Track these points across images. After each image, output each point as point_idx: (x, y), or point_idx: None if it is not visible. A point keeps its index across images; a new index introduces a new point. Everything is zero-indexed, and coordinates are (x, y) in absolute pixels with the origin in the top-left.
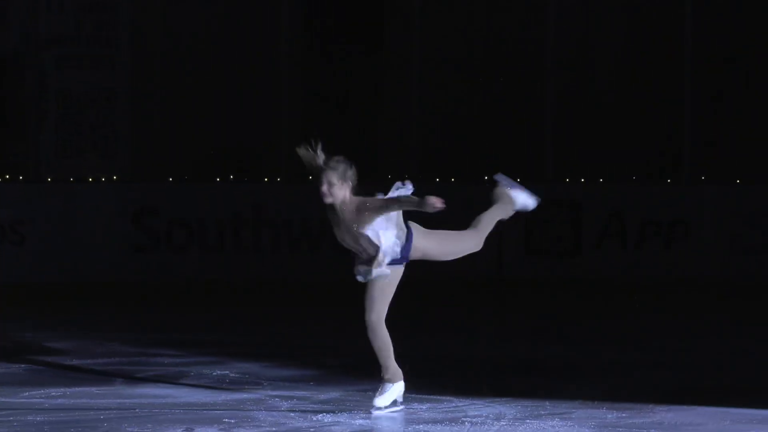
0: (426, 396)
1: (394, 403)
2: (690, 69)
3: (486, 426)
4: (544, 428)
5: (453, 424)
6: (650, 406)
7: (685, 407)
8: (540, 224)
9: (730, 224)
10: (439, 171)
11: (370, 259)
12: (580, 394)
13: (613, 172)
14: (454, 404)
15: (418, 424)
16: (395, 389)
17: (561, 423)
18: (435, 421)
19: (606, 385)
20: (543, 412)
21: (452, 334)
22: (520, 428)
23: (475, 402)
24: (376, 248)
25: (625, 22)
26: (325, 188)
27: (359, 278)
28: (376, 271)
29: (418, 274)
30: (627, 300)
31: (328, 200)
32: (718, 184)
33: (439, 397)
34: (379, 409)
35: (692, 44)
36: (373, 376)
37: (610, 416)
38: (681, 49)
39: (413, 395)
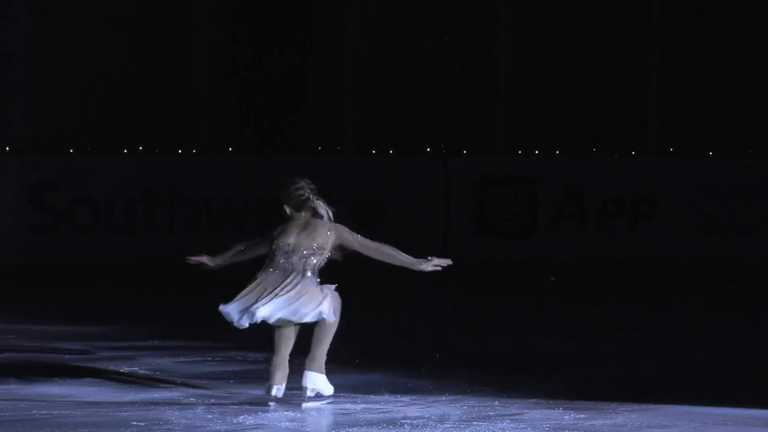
0: (360, 395)
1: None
2: (658, 31)
3: (428, 429)
4: (490, 429)
5: (391, 426)
6: (612, 405)
7: (650, 406)
8: (491, 202)
9: (701, 202)
10: (378, 144)
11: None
12: (534, 392)
13: (572, 145)
14: (391, 404)
15: (352, 426)
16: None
17: (512, 425)
18: (371, 423)
19: (562, 382)
20: (492, 413)
21: (389, 323)
22: (466, 429)
23: (415, 401)
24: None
25: None
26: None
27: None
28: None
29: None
30: (576, 284)
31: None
32: (688, 158)
33: (375, 397)
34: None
35: (659, 4)
36: (299, 374)
37: (567, 417)
38: (649, 9)
39: (346, 395)
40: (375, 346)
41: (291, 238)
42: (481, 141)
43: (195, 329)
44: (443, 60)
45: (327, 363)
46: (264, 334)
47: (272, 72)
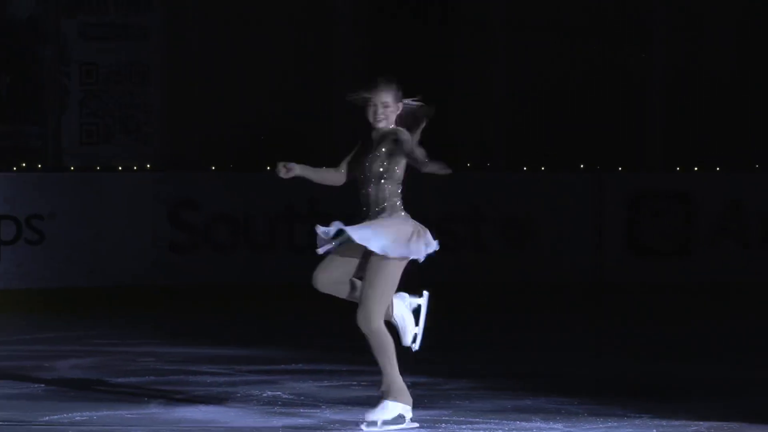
0: (510, 422)
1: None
2: None
3: None
4: None
5: None
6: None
7: None
8: (645, 219)
9: None
10: (527, 158)
11: (369, 207)
12: (693, 418)
13: (731, 159)
14: (545, 431)
15: None
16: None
17: None
18: None
19: (722, 408)
20: None
21: (545, 346)
22: None
23: (569, 428)
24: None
25: None
26: (379, 109)
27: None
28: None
29: (506, 277)
30: (742, 305)
31: (381, 124)
32: None
33: (525, 423)
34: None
35: None
36: (451, 398)
37: None
38: None
39: (496, 420)
40: (525, 370)
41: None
42: (634, 155)
43: (339, 352)
44: (594, 69)
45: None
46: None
47: (413, 84)
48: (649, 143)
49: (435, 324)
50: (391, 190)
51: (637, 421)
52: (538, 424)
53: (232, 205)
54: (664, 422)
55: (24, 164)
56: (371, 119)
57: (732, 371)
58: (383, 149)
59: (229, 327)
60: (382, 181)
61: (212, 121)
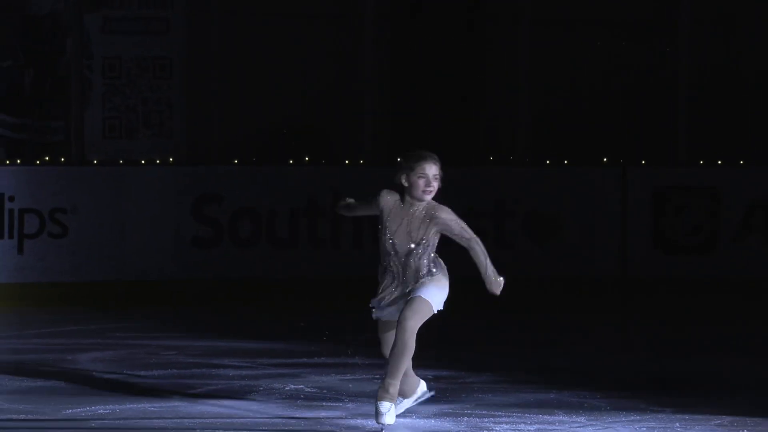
0: (533, 415)
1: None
2: None
3: None
4: None
5: None
6: None
7: None
8: (671, 214)
9: None
10: (552, 153)
11: (407, 280)
12: (716, 413)
13: (758, 154)
14: (567, 425)
15: None
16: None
17: None
18: None
19: (747, 404)
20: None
21: (568, 342)
22: None
23: (592, 422)
24: (424, 274)
25: None
26: (429, 185)
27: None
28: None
29: (531, 273)
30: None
31: (427, 197)
32: None
33: (548, 417)
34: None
35: None
36: (474, 392)
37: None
38: None
39: (519, 414)
40: (548, 364)
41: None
42: (660, 149)
43: (360, 346)
44: (619, 63)
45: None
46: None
47: (439, 79)
48: (675, 138)
49: (459, 319)
50: (430, 256)
51: (660, 415)
52: (561, 417)
53: (255, 200)
54: (687, 416)
55: (47, 158)
56: (418, 192)
57: (755, 367)
58: (429, 226)
59: (251, 321)
60: (420, 250)
61: (234, 115)
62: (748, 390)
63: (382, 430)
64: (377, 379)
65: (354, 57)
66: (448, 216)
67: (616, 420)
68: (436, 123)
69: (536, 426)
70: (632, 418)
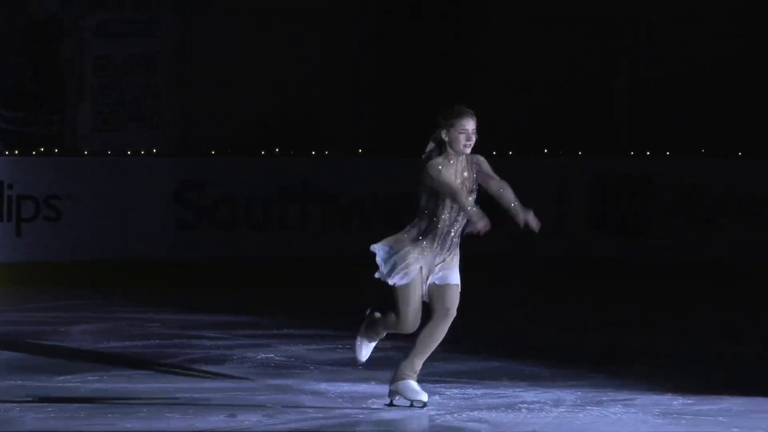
0: (481, 381)
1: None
2: None
3: (544, 412)
4: (605, 415)
5: (509, 410)
6: (718, 392)
7: (758, 399)
8: (609, 200)
9: None
10: (508, 144)
11: (446, 241)
12: (645, 381)
13: (689, 145)
14: (510, 390)
15: (473, 410)
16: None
17: (623, 410)
18: (491, 407)
19: (674, 374)
20: (605, 399)
21: (514, 318)
22: (580, 415)
23: (533, 387)
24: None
25: None
26: (469, 139)
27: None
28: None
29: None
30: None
31: (469, 150)
32: None
33: (494, 383)
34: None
35: None
36: (428, 360)
37: (675, 403)
38: None
39: (468, 380)
40: (495, 338)
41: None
42: (601, 141)
43: (326, 319)
44: (572, 57)
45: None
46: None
47: (406, 72)
48: (616, 130)
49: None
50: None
51: (594, 381)
52: (505, 383)
53: (234, 187)
54: (618, 381)
55: (43, 149)
56: (459, 146)
57: (682, 345)
58: (472, 172)
59: (228, 297)
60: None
61: (218, 109)
62: (673, 363)
63: (424, 405)
64: (339, 348)
65: (337, 53)
66: (483, 158)
67: (554, 385)
68: (398, 115)
69: (482, 391)
70: (570, 383)
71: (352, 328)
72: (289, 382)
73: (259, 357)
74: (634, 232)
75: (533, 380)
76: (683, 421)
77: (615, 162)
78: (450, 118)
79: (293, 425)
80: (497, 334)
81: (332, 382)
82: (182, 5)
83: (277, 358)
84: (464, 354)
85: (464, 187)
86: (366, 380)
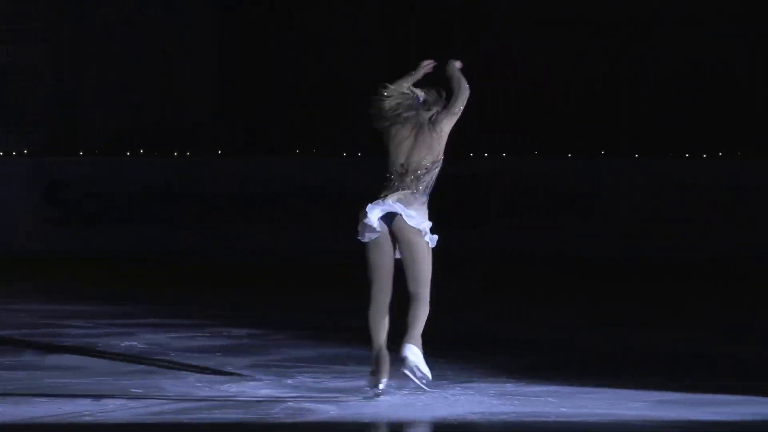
0: (330, 365)
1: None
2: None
3: (389, 395)
4: (445, 397)
5: (357, 393)
6: (551, 375)
7: (581, 388)
8: (449, 197)
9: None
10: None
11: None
12: (481, 365)
13: (522, 146)
14: (358, 374)
15: (322, 392)
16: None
17: (461, 391)
18: (339, 390)
19: (508, 357)
20: (445, 382)
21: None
22: (422, 397)
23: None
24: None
25: None
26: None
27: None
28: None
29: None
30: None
31: (422, 97)
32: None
33: (342, 367)
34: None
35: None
36: (277, 348)
37: (508, 385)
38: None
39: (318, 365)
40: (342, 325)
41: (402, 157)
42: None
43: (187, 309)
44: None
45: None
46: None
47: (264, 74)
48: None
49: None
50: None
51: (433, 365)
52: (353, 367)
53: (99, 185)
54: (457, 366)
55: None
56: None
57: (512, 332)
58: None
59: (94, 288)
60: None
61: (86, 110)
62: (504, 350)
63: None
64: (199, 336)
65: (193, 55)
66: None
67: (398, 370)
68: (259, 117)
69: (331, 375)
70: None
71: (210, 317)
72: (152, 368)
73: (123, 344)
74: (472, 226)
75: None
76: (516, 401)
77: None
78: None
79: (155, 408)
80: (341, 322)
81: (192, 368)
82: (51, 17)
83: (140, 346)
84: (313, 340)
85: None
86: (222, 365)
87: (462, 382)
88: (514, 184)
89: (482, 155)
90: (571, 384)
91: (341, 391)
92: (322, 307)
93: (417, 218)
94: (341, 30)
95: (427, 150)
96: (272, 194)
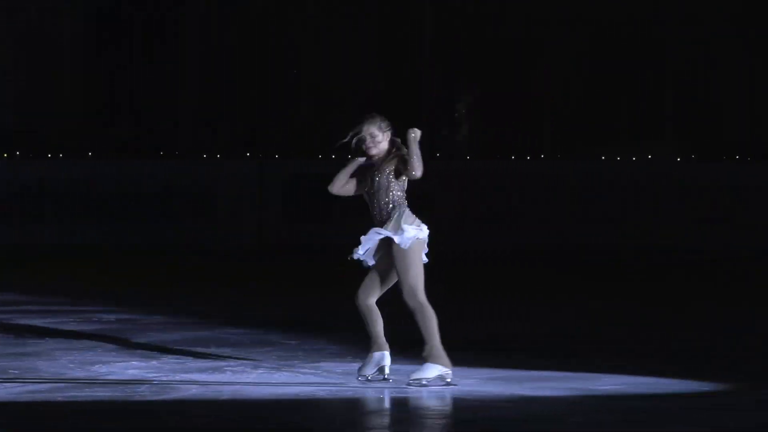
0: (192, 348)
1: (381, 370)
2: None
3: (245, 374)
4: (296, 375)
5: (216, 372)
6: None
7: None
8: (298, 195)
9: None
10: (207, 147)
11: (380, 219)
12: (330, 346)
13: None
14: (217, 356)
15: (185, 372)
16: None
17: (311, 371)
18: (200, 370)
19: (357, 340)
20: (296, 362)
21: (222, 290)
22: (275, 375)
23: (236, 353)
24: (392, 208)
25: None
26: (368, 141)
27: (354, 255)
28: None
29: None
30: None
31: (373, 152)
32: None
33: (203, 350)
34: (365, 377)
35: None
36: (144, 333)
37: (355, 365)
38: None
39: (180, 347)
40: (203, 310)
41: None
42: (293, 144)
43: (59, 296)
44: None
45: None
46: None
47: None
48: (305, 134)
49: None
50: (396, 195)
51: (286, 347)
52: (212, 349)
53: None
54: (307, 347)
55: None
56: (364, 148)
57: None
58: (387, 168)
59: None
60: (391, 191)
61: None
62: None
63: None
64: (71, 321)
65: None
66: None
67: (254, 351)
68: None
69: (194, 357)
70: (266, 349)
71: (81, 304)
72: (28, 350)
73: None
74: (318, 221)
75: (237, 347)
76: (360, 378)
77: (306, 163)
78: (357, 127)
79: (30, 387)
80: (203, 307)
81: (65, 350)
82: None
83: (17, 331)
84: (177, 325)
85: (383, 174)
86: (93, 348)
87: (312, 363)
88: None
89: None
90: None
91: (202, 371)
92: (191, 296)
93: (402, 234)
94: None
95: (384, 192)
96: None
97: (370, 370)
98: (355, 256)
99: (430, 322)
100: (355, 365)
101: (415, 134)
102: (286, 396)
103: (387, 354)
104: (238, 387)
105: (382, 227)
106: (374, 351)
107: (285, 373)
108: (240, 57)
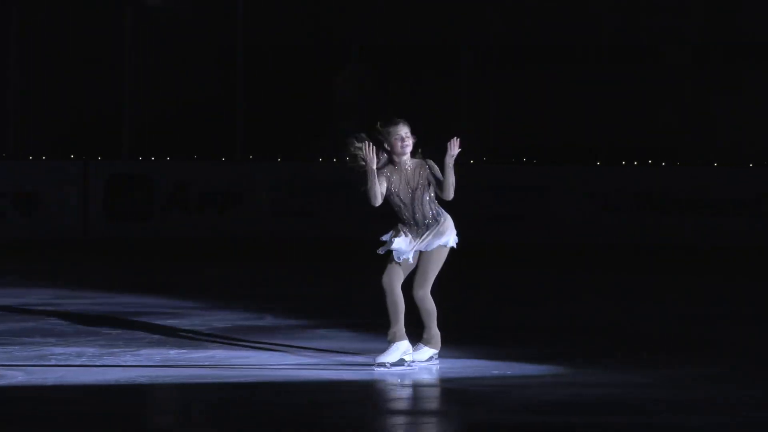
0: (19, 338)
1: (402, 361)
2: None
3: (69, 361)
4: (117, 362)
5: (41, 359)
6: (208, 344)
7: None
8: (119, 194)
9: (275, 194)
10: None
11: (418, 224)
12: (184, 335)
13: (181, 149)
14: (41, 345)
15: (9, 362)
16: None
17: (132, 358)
18: (26, 360)
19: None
20: (117, 350)
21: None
22: (98, 361)
23: (60, 342)
24: (436, 213)
25: None
26: (406, 141)
27: (380, 251)
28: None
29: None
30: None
31: (407, 150)
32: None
33: (28, 339)
34: (384, 365)
35: None
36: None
37: (172, 352)
38: None
39: (6, 339)
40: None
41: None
42: (112, 147)
43: None
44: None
45: None
46: None
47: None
48: (119, 138)
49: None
50: (435, 202)
51: (110, 338)
52: (37, 339)
53: None
54: (127, 336)
55: None
56: (398, 149)
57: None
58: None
59: None
60: (432, 201)
61: None
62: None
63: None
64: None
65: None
66: (433, 162)
67: (78, 340)
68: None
69: (19, 346)
70: (92, 338)
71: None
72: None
73: None
74: (138, 218)
75: (61, 337)
76: (179, 367)
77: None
78: (385, 128)
79: None
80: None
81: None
82: None
83: None
84: (6, 317)
85: (418, 186)
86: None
87: (131, 350)
88: (174, 182)
89: (148, 157)
90: (226, 350)
91: (29, 359)
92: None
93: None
94: None
95: (428, 204)
96: None
97: (394, 358)
98: (401, 258)
99: (433, 312)
100: (174, 353)
101: (452, 159)
102: (107, 382)
103: (408, 343)
104: (61, 374)
105: (426, 230)
106: (398, 340)
107: (107, 359)
108: (61, 58)
